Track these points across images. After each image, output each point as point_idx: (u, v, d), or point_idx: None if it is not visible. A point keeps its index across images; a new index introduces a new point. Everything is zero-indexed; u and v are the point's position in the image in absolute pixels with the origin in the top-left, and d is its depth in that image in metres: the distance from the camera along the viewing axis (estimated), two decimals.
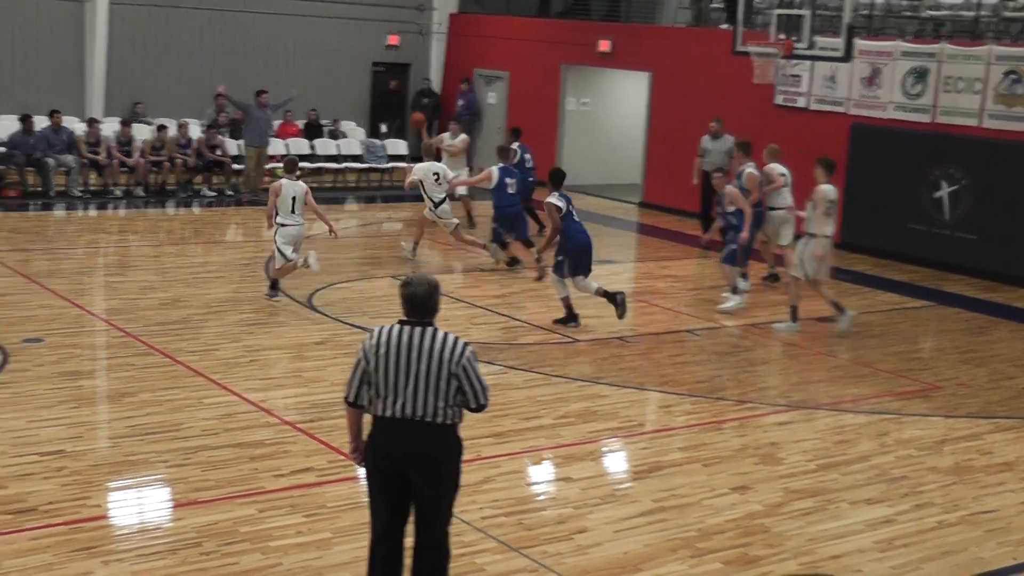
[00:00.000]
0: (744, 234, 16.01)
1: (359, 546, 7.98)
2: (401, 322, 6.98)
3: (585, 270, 14.98)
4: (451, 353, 6.88)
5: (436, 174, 18.09)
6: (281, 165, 25.23)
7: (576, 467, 10.36)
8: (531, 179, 20.64)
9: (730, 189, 16.27)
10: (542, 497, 9.79)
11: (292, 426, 10.82)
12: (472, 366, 6.93)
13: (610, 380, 12.92)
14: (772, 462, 10.68)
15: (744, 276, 16.77)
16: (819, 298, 15.48)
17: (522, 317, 15.42)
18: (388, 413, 6.90)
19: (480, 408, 7.01)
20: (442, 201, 18.12)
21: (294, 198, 15.21)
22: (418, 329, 6.93)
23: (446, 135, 22.15)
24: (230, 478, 9.54)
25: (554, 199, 14.96)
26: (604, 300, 14.94)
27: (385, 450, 6.96)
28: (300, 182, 15.47)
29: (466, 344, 6.96)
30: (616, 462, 10.86)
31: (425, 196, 18.08)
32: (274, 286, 15.47)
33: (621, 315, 14.86)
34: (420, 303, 6.95)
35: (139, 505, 9.15)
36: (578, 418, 11.59)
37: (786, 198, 17.63)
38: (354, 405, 7.08)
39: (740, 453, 10.87)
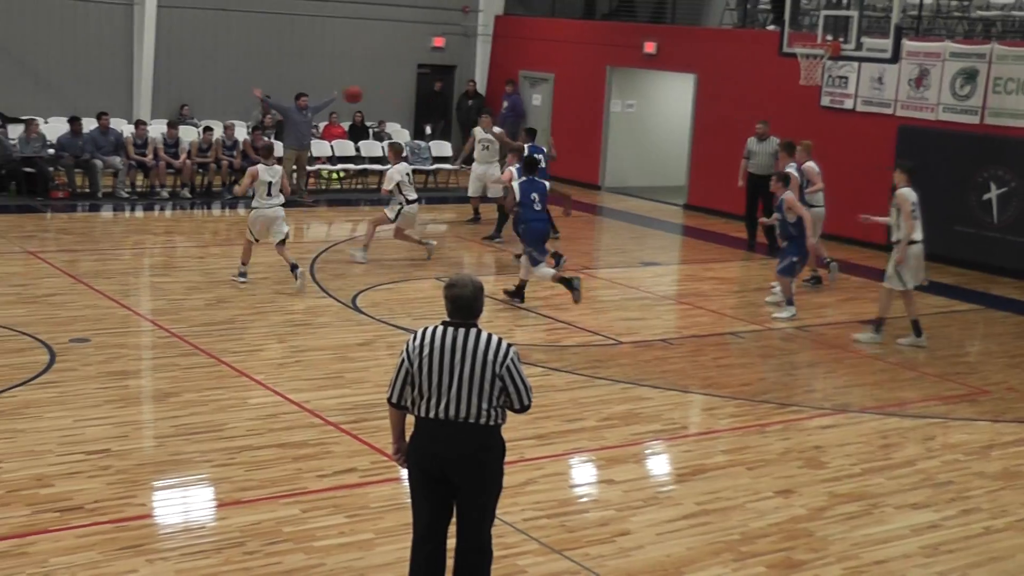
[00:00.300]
0: (811, 241, 16.06)
1: (401, 547, 7.99)
2: (445, 323, 6.99)
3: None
4: (495, 354, 6.88)
5: (408, 174, 18.24)
6: (327, 167, 25.51)
7: (619, 469, 10.34)
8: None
9: (789, 196, 16.07)
10: (585, 499, 9.77)
11: (336, 427, 10.85)
12: (516, 367, 6.92)
13: (653, 382, 12.88)
14: (816, 466, 10.63)
15: None
16: (873, 302, 15.40)
17: (565, 319, 15.40)
18: (431, 414, 6.91)
19: (523, 409, 7.00)
20: (415, 200, 18.29)
21: (270, 183, 16.03)
22: (462, 330, 6.93)
23: (477, 130, 22.01)
24: (273, 478, 9.57)
25: (515, 184, 16.21)
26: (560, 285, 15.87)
27: (428, 451, 6.96)
28: (276, 166, 16.37)
29: (510, 345, 6.96)
30: (659, 465, 10.83)
31: (401, 196, 18.10)
32: (243, 265, 16.47)
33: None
34: (466, 304, 6.95)
35: (183, 504, 9.20)
36: (621, 420, 11.57)
37: (819, 196, 17.67)
38: (397, 406, 7.09)
39: (784, 456, 10.82)
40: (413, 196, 18.19)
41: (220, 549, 8.24)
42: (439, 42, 29.94)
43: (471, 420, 6.87)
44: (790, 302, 16.10)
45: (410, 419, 7.09)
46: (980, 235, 20.08)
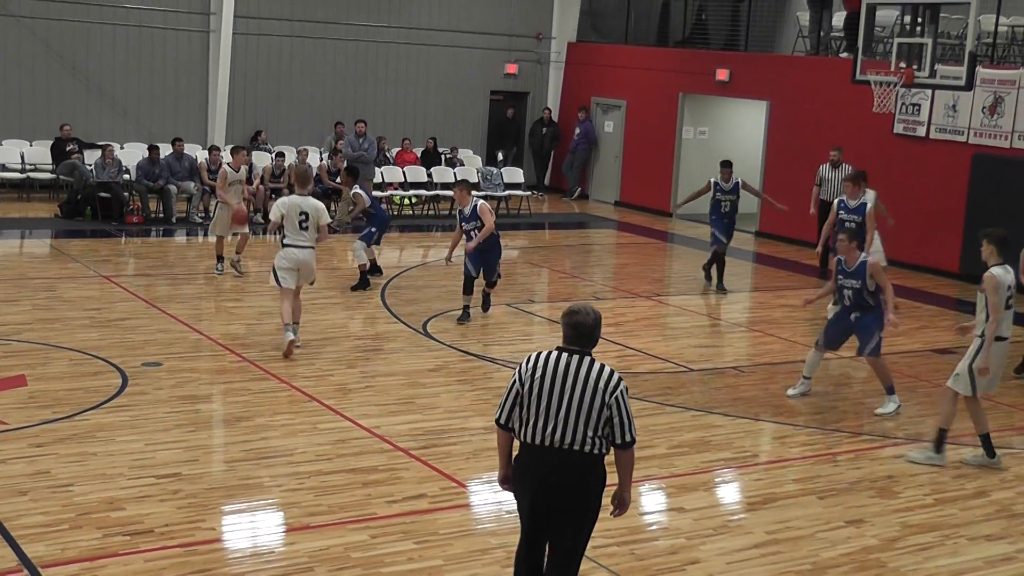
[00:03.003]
0: (892, 317, 12.89)
1: (470, 574, 7.98)
2: (559, 348, 7.04)
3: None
4: (607, 382, 6.92)
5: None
6: (399, 192, 25.61)
7: (689, 497, 10.28)
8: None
9: (873, 263, 12.97)
10: (654, 527, 9.71)
11: (405, 452, 10.86)
12: (624, 399, 6.95)
13: (724, 410, 12.81)
14: (888, 495, 10.51)
15: None
16: (945, 330, 15.20)
17: (636, 346, 15.35)
18: (537, 439, 6.95)
19: (626, 445, 7.00)
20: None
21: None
22: (576, 357, 6.98)
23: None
24: (343, 503, 9.60)
25: (359, 190, 18.28)
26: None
27: (532, 476, 7.01)
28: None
29: (621, 377, 6.99)
30: (729, 493, 10.75)
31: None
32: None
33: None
34: (587, 332, 7.00)
35: (252, 529, 9.23)
36: (691, 448, 11.51)
37: None
38: (504, 427, 7.14)
39: (855, 486, 10.72)
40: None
41: (288, 574, 8.27)
42: (512, 69, 30.04)
43: (575, 447, 6.90)
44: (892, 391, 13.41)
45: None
46: None
